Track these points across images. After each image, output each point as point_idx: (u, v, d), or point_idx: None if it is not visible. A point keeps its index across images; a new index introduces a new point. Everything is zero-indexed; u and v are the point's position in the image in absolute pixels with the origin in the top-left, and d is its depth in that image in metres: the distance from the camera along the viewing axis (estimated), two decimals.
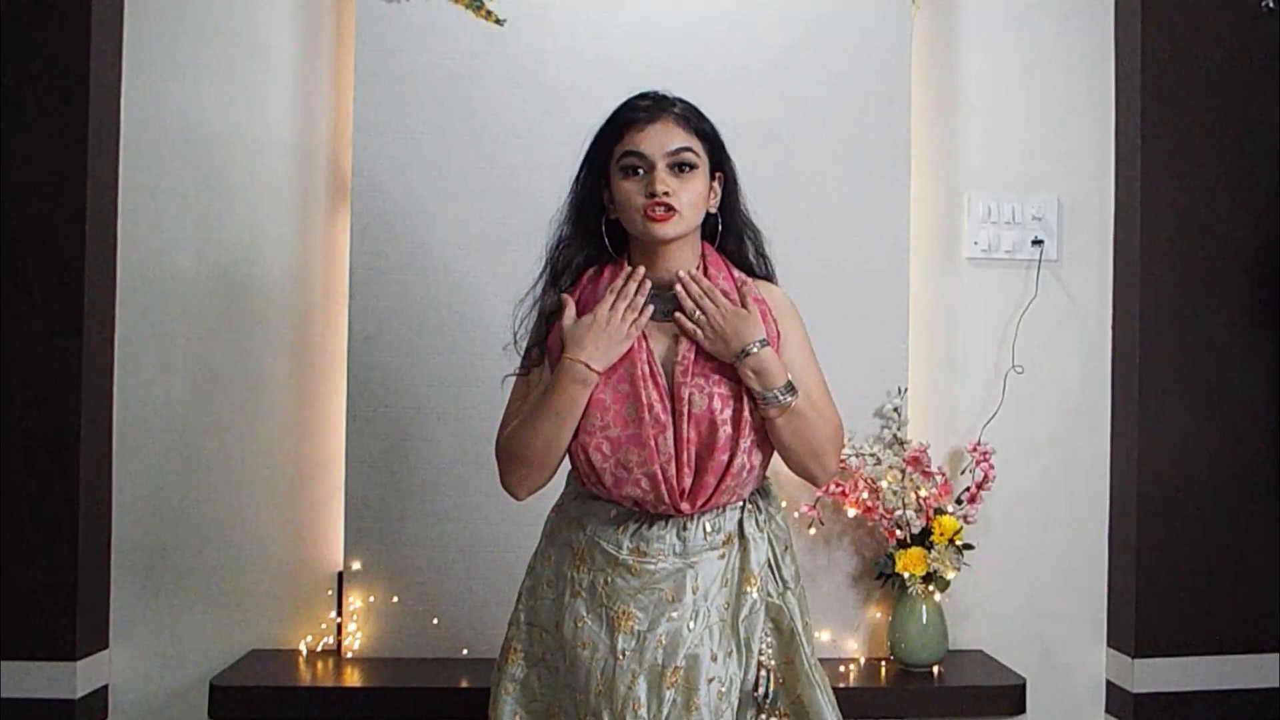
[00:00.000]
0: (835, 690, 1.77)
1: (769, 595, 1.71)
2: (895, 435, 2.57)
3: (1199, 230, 2.62)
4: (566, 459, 1.74)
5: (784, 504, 2.52)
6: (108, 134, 2.50)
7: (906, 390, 2.59)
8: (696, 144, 1.68)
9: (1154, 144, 2.61)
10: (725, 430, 1.64)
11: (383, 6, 2.51)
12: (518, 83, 2.53)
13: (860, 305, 2.57)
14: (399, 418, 2.51)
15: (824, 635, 2.57)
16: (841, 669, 2.52)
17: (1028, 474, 2.66)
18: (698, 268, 1.72)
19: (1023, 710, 2.47)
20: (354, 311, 2.51)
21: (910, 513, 2.47)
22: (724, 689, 1.66)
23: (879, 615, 2.59)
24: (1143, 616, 2.58)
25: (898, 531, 2.50)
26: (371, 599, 2.50)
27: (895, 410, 2.57)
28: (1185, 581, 2.59)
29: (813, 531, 2.57)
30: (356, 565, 2.50)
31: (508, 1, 2.53)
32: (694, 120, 1.70)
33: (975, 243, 2.67)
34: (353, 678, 2.41)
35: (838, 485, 2.52)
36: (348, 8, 2.57)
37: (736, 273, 1.75)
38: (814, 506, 2.53)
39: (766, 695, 1.68)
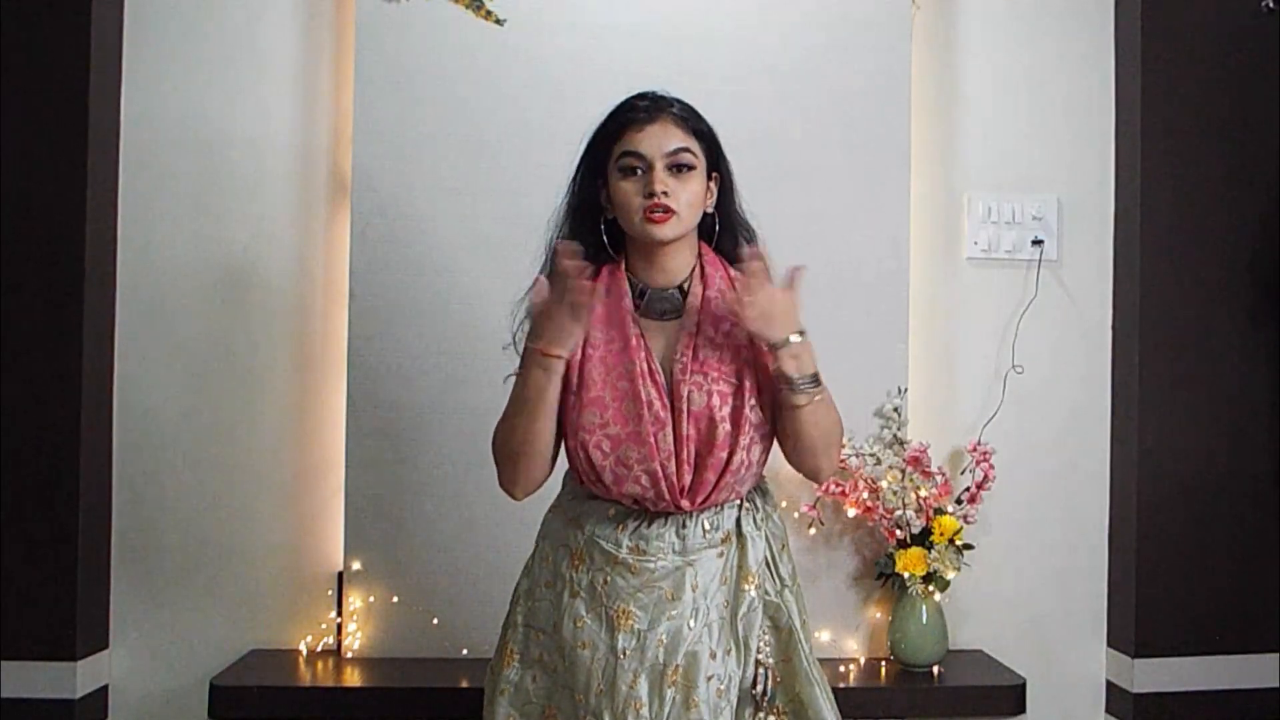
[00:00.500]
0: (835, 690, 1.77)
1: (767, 594, 1.72)
2: (895, 435, 2.57)
3: (1199, 230, 2.62)
4: (564, 458, 1.74)
5: (784, 504, 2.54)
6: (108, 134, 2.50)
7: (906, 390, 2.59)
8: (694, 144, 1.68)
9: (1154, 144, 2.61)
10: (724, 427, 1.64)
11: (383, 6, 2.51)
12: (518, 83, 2.53)
13: (860, 305, 2.57)
14: (399, 418, 2.51)
15: (824, 635, 2.57)
16: (841, 669, 2.52)
17: (1028, 474, 2.66)
18: (694, 268, 1.72)
19: (1023, 710, 2.47)
20: (354, 311, 2.51)
21: (910, 513, 2.47)
22: (723, 687, 1.66)
23: (879, 615, 2.59)
24: (1143, 616, 2.58)
25: (898, 531, 2.50)
26: (371, 599, 2.50)
27: (895, 410, 2.57)
28: (1185, 581, 2.59)
29: (813, 531, 2.57)
30: (356, 565, 2.50)
31: (508, 1, 2.53)
32: (691, 120, 1.70)
33: (975, 243, 2.67)
34: (353, 678, 2.41)
35: (838, 485, 2.52)
36: (348, 8, 2.57)
37: (733, 271, 1.73)
38: (814, 506, 2.53)
39: (765, 693, 1.68)
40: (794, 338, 1.63)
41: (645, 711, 1.63)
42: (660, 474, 1.64)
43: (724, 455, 1.65)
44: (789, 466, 1.78)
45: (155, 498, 2.54)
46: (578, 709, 1.67)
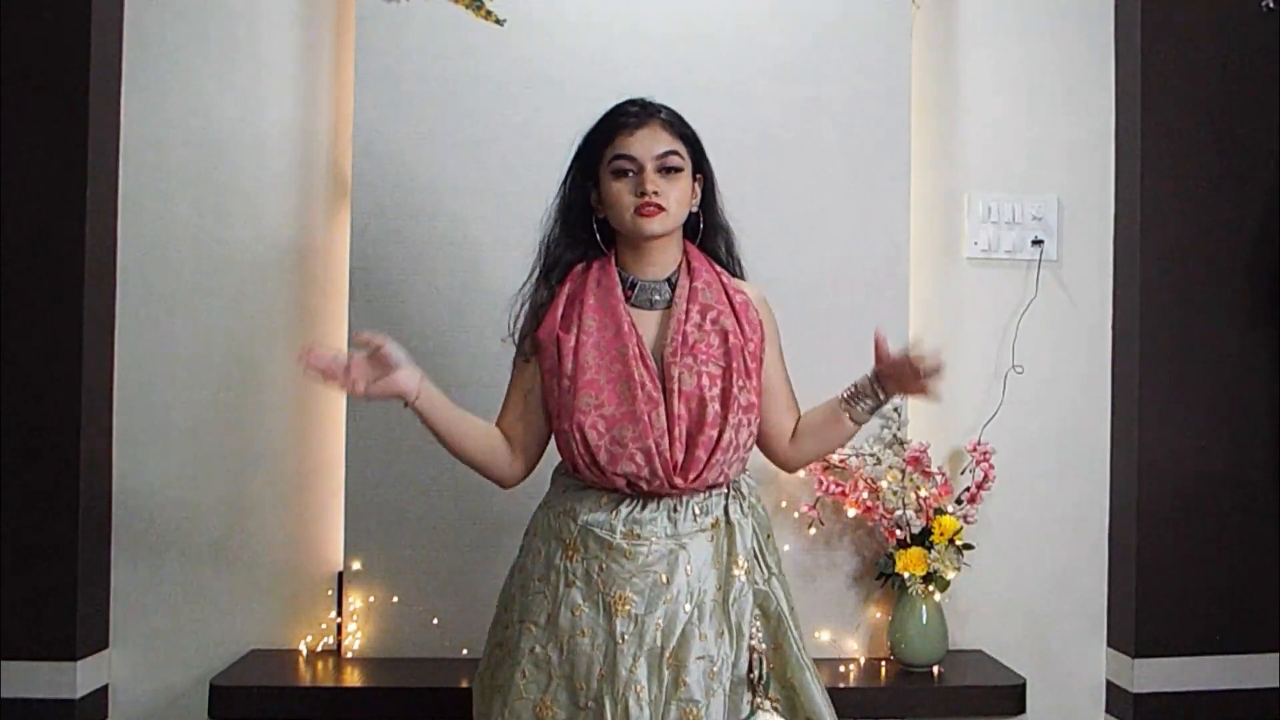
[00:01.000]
0: (835, 690, 1.83)
1: (756, 582, 1.78)
2: (895, 435, 2.56)
3: (1199, 230, 2.62)
4: (550, 455, 1.83)
5: (784, 504, 2.55)
6: (108, 134, 2.50)
7: None
8: (681, 147, 1.79)
9: (1154, 144, 2.61)
10: (714, 407, 1.74)
11: (383, 6, 2.51)
12: (518, 83, 2.53)
13: (860, 305, 2.56)
14: (399, 417, 2.48)
15: (824, 635, 2.57)
16: (841, 669, 2.52)
17: (1028, 474, 2.66)
18: (681, 262, 1.82)
19: (1023, 710, 2.47)
20: (354, 311, 2.51)
21: (910, 513, 2.47)
22: (715, 669, 1.71)
23: (879, 615, 2.59)
24: (1143, 616, 2.58)
25: (898, 531, 2.49)
26: (371, 599, 2.50)
27: (895, 410, 2.57)
28: (1185, 581, 2.59)
29: (813, 531, 2.57)
30: (356, 565, 2.50)
31: (508, 1, 2.53)
32: (678, 125, 1.81)
33: (975, 243, 2.67)
34: (353, 678, 2.41)
35: (838, 485, 2.52)
36: (348, 8, 2.57)
37: (719, 270, 1.86)
38: (814, 506, 2.53)
39: (761, 678, 1.74)
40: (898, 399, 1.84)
41: (644, 694, 1.67)
42: (654, 450, 1.71)
43: (714, 434, 1.73)
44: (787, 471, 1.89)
45: (155, 498, 2.53)
46: (577, 697, 1.71)
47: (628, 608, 1.70)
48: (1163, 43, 2.61)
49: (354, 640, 2.51)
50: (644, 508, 1.75)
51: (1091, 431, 2.70)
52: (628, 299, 1.79)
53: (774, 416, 1.89)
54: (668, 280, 1.81)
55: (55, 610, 2.37)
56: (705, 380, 1.74)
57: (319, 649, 2.54)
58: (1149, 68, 2.60)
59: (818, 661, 1.91)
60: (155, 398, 2.54)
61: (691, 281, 1.80)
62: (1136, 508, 2.60)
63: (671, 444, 1.72)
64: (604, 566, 1.73)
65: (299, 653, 2.53)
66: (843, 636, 2.59)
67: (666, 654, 1.70)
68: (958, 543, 2.49)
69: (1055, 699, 2.65)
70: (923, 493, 2.50)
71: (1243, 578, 2.62)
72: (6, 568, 2.37)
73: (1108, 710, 2.67)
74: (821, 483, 2.50)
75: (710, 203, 1.87)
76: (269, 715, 2.34)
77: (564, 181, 1.84)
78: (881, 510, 2.50)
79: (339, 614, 2.53)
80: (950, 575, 2.49)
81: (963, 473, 2.60)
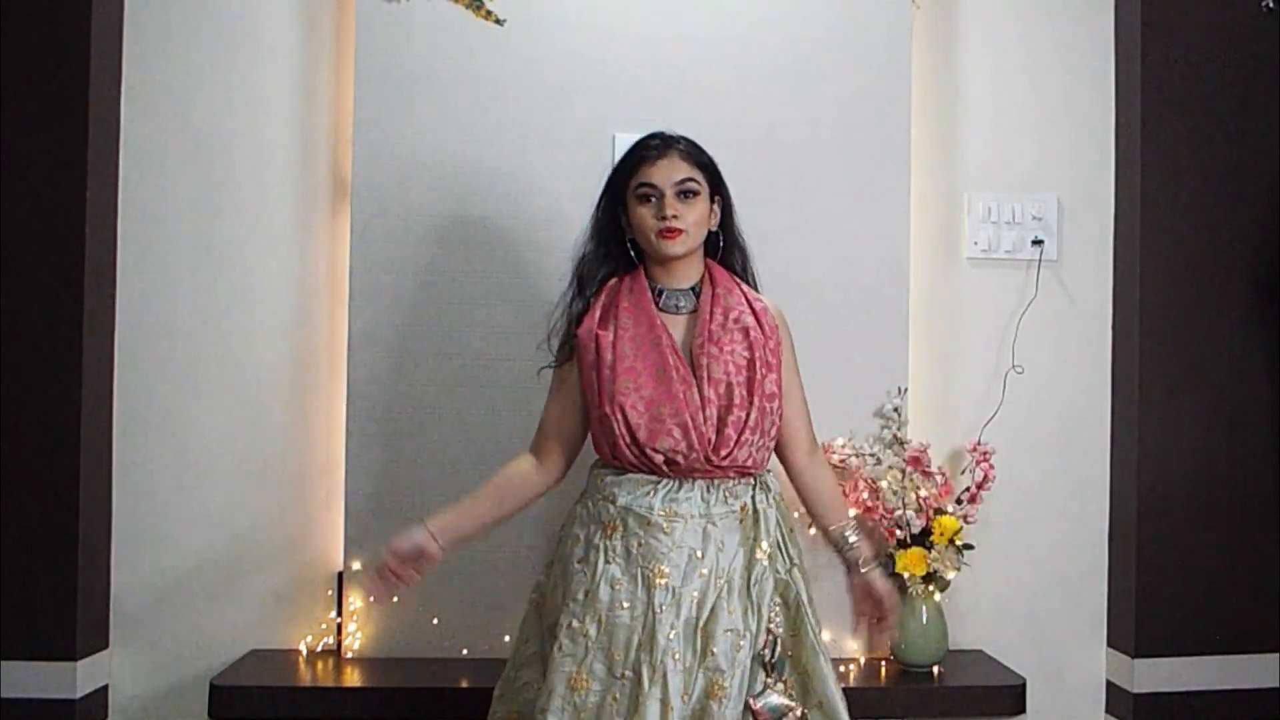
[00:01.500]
0: None
1: (777, 570, 1.91)
2: (895, 435, 2.56)
3: (1199, 230, 2.62)
4: (586, 452, 1.99)
5: (793, 513, 2.54)
6: (108, 134, 2.50)
7: (906, 390, 2.59)
8: (698, 174, 1.95)
9: (1154, 144, 2.61)
10: (740, 391, 1.89)
11: (383, 6, 2.51)
12: (518, 83, 2.53)
13: (860, 305, 2.57)
14: (399, 418, 2.51)
15: (824, 635, 2.55)
16: (841, 669, 2.51)
17: (1028, 474, 2.66)
18: (703, 278, 1.98)
19: (1023, 710, 2.47)
20: (354, 311, 2.51)
21: (910, 513, 2.47)
22: (741, 642, 1.83)
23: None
24: (1143, 616, 2.58)
25: (898, 531, 2.49)
26: (371, 599, 2.50)
27: (895, 410, 2.57)
28: (1185, 581, 2.59)
29: (813, 531, 2.56)
30: (356, 565, 2.50)
31: (508, 1, 2.53)
32: (695, 155, 1.97)
33: (975, 243, 2.68)
34: (353, 678, 2.41)
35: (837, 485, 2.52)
36: (348, 8, 2.57)
37: (738, 280, 2.01)
38: None
39: (774, 658, 1.86)
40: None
41: (680, 662, 1.80)
42: (690, 425, 1.86)
43: (743, 415, 1.88)
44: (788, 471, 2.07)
45: (155, 498, 2.54)
46: (614, 667, 1.82)
47: (664, 580, 1.83)
48: (1163, 43, 2.61)
49: (354, 640, 2.51)
50: (679, 488, 1.89)
51: (1091, 431, 2.70)
52: (656, 304, 1.96)
53: (791, 422, 2.02)
54: (692, 289, 1.98)
55: (55, 610, 2.37)
56: (731, 368, 1.89)
57: (319, 649, 2.54)
58: (1149, 68, 2.61)
59: None
60: (155, 398, 2.54)
61: (714, 288, 1.97)
62: (1136, 508, 2.60)
63: (705, 421, 1.86)
64: (643, 542, 1.86)
65: (299, 653, 2.53)
66: (843, 636, 2.58)
67: (700, 625, 1.83)
68: (958, 543, 2.49)
69: (1055, 699, 2.65)
70: (923, 493, 2.50)
71: (1243, 578, 2.62)
72: (6, 568, 2.37)
73: (1108, 710, 2.67)
74: None
75: (728, 223, 2.02)
76: (269, 715, 2.34)
77: (597, 206, 2.01)
78: (882, 510, 2.50)
79: (339, 614, 2.53)
80: (950, 575, 2.49)
81: (963, 473, 2.60)
